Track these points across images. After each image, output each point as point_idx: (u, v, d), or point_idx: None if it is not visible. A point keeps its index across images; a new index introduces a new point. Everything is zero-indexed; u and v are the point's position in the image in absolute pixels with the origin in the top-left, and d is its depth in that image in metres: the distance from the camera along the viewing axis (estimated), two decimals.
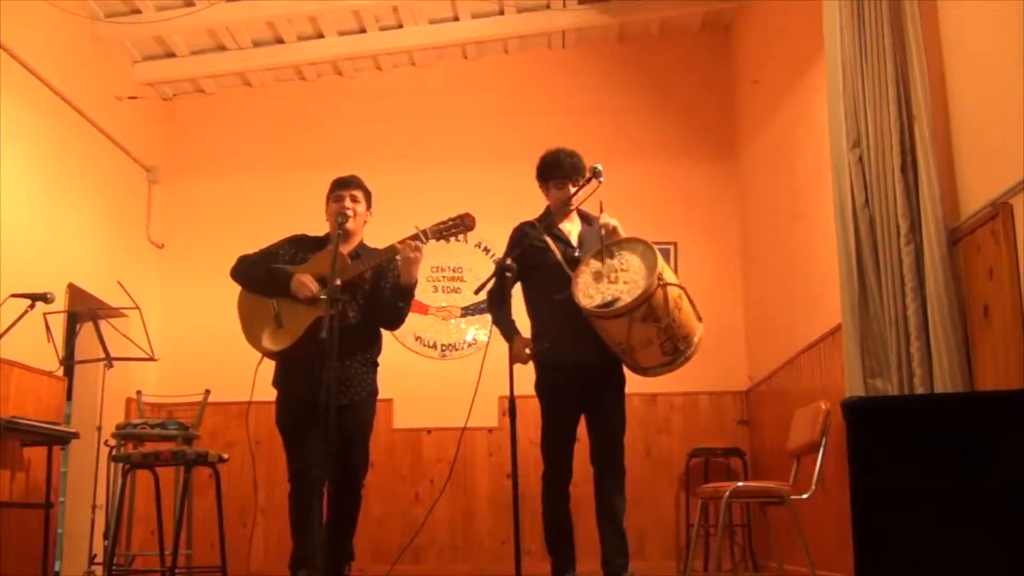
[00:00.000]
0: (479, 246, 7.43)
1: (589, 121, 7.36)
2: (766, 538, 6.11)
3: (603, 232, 3.98)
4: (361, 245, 4.09)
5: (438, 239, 3.90)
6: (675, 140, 7.49)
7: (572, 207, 4.14)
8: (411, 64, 7.82)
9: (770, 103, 6.35)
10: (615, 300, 3.74)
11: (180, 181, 7.66)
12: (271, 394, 3.99)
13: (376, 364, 4.07)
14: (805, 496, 4.12)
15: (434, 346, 7.31)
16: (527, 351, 4.01)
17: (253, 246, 4.18)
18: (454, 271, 7.44)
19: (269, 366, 4.02)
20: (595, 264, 3.89)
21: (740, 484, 4.32)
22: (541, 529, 4.02)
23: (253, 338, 3.93)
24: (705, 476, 6.68)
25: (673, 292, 3.76)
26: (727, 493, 4.20)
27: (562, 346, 3.97)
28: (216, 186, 7.66)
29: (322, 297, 3.63)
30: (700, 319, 3.93)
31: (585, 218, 4.23)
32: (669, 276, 3.80)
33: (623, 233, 3.99)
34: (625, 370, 4.05)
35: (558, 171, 4.11)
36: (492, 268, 3.85)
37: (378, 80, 7.84)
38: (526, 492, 3.68)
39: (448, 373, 7.10)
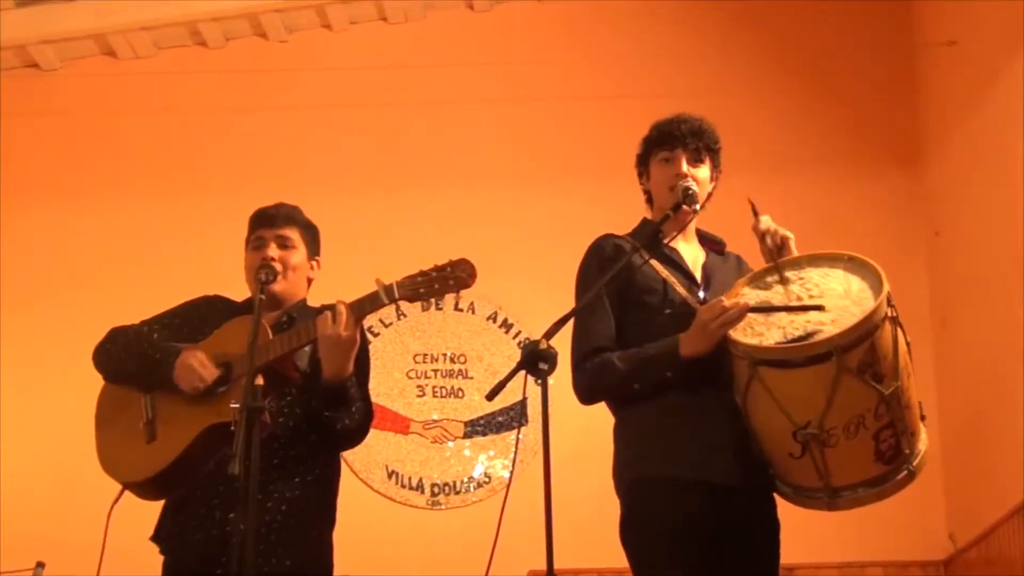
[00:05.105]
0: (493, 319, 7.46)
1: (685, 111, 7.39)
2: None
3: (768, 241, 3.84)
4: (298, 308, 4.09)
5: (412, 300, 3.87)
6: (823, 141, 7.59)
7: (692, 207, 3.89)
8: (381, 19, 7.95)
9: (978, 81, 6.40)
10: (812, 333, 3.46)
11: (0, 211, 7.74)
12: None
13: (325, 508, 4.04)
14: None
15: (419, 487, 7.28)
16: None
17: (125, 315, 4.18)
18: (453, 361, 7.46)
19: (151, 512, 4.01)
20: (755, 293, 3.70)
21: None
22: None
23: (108, 458, 3.94)
24: None
25: (903, 343, 3.50)
26: None
27: (682, 455, 3.73)
28: (60, 218, 7.74)
29: (233, 405, 3.61)
30: (923, 417, 3.63)
31: (711, 242, 4.11)
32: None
33: (793, 248, 3.82)
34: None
35: (667, 136, 4.03)
36: (516, 355, 3.76)
37: (328, 45, 7.97)
38: None
39: (443, 531, 7.10)
